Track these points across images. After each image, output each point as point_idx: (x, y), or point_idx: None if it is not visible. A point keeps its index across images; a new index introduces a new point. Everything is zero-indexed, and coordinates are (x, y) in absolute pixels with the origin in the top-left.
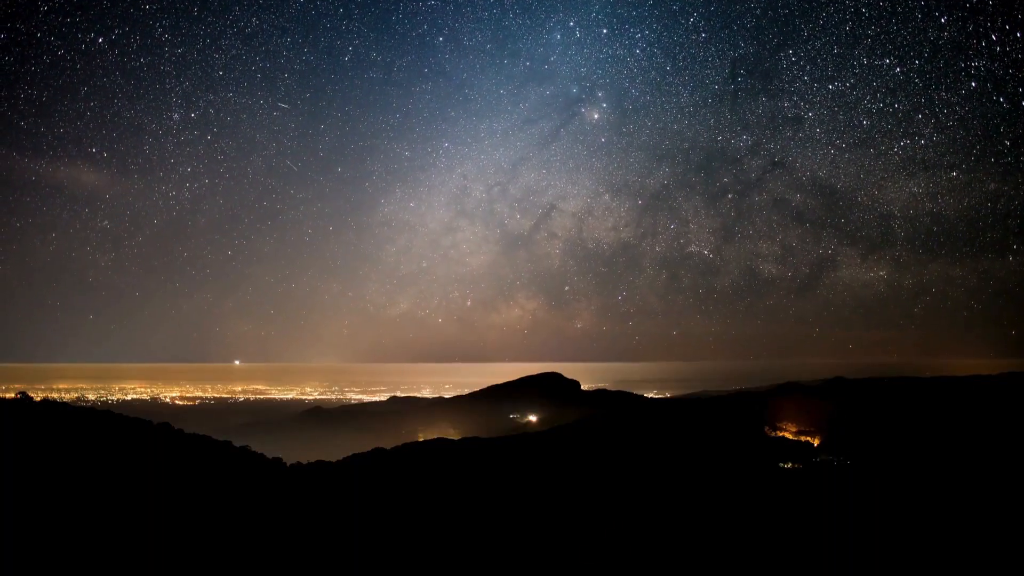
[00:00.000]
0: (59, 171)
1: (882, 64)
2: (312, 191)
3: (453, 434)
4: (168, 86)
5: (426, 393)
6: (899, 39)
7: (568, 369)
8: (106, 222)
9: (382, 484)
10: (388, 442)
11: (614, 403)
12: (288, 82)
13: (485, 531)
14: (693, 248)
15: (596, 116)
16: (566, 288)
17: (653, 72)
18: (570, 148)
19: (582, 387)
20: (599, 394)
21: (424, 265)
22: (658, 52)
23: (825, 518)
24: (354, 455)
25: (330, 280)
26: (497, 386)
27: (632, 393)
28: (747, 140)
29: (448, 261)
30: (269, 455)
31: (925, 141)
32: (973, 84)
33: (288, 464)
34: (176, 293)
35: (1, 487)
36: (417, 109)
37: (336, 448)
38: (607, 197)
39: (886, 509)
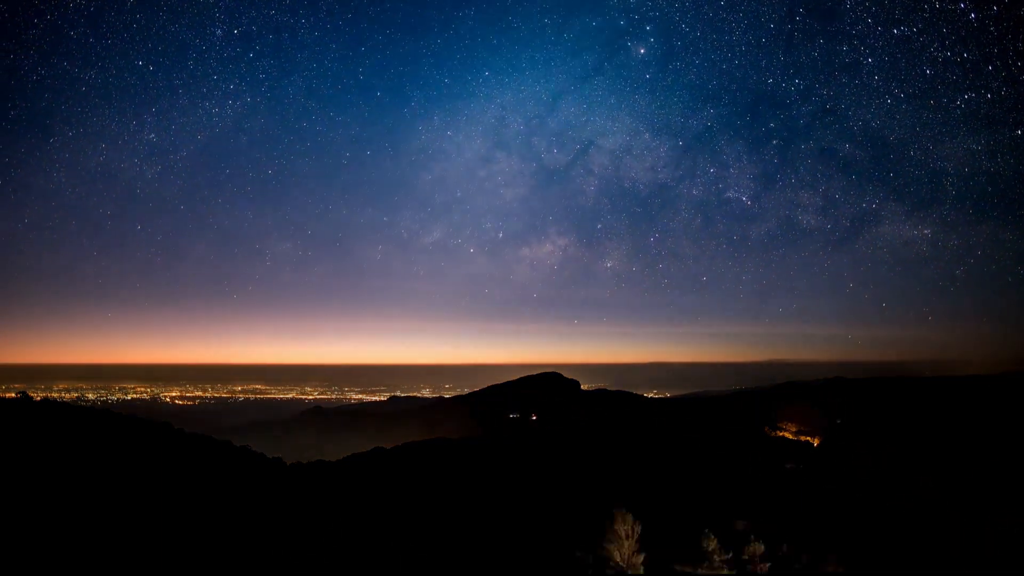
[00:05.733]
0: (108, 83)
1: (955, 9)
2: (351, 114)
3: (453, 434)
4: (211, 0)
5: (426, 393)
6: None
7: (568, 369)
8: (153, 135)
9: (382, 484)
10: (388, 442)
11: (614, 403)
12: (330, 1)
13: (484, 528)
14: (731, 194)
15: (642, 51)
16: (599, 226)
17: (706, 7)
18: (613, 83)
19: (582, 387)
20: (599, 394)
21: (458, 195)
22: None
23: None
24: (354, 455)
25: (366, 204)
26: (497, 386)
27: (632, 393)
28: (799, 84)
29: (482, 192)
30: (269, 455)
31: (992, 95)
32: None
33: (288, 464)
34: (218, 209)
35: (2, 485)
36: (459, 35)
37: (336, 448)
38: (647, 136)
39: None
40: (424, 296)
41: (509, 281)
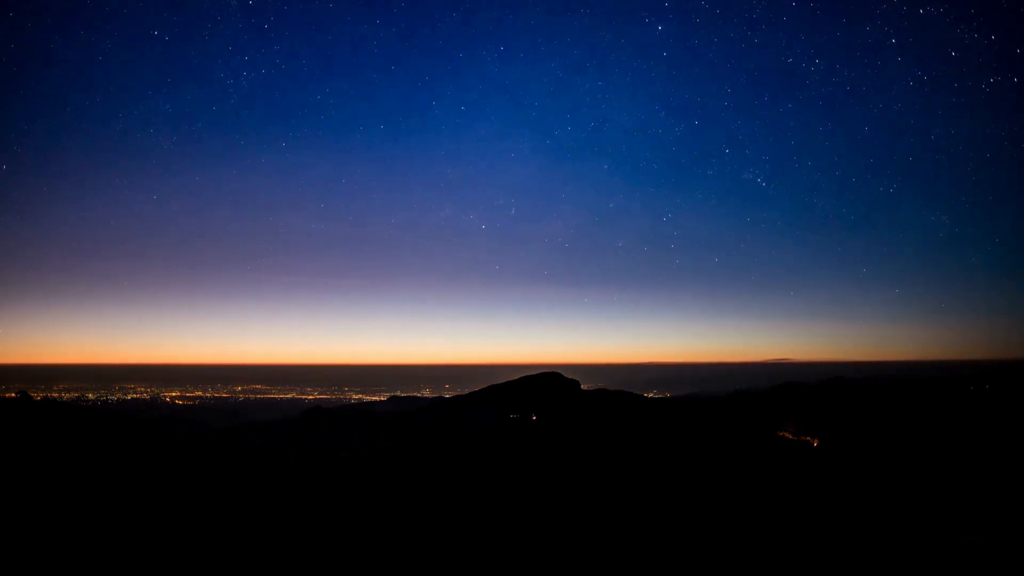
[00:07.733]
0: (124, 53)
1: None
2: (365, 87)
3: (453, 434)
4: None
5: (426, 393)
6: None
7: (568, 369)
8: (168, 106)
9: (383, 484)
10: (388, 442)
11: (614, 403)
12: None
13: (485, 527)
14: (747, 175)
15: (660, 28)
16: (611, 205)
17: None
18: (629, 60)
19: (582, 387)
20: (599, 394)
21: (471, 170)
22: None
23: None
24: (354, 455)
25: (379, 178)
26: (497, 386)
27: (632, 393)
28: (819, 64)
29: (494, 168)
30: (269, 455)
31: (1019, 79)
32: None
33: (288, 464)
34: (232, 179)
35: (3, 484)
36: (474, 9)
37: (336, 448)
38: (663, 115)
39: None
40: (435, 280)
41: (520, 260)
